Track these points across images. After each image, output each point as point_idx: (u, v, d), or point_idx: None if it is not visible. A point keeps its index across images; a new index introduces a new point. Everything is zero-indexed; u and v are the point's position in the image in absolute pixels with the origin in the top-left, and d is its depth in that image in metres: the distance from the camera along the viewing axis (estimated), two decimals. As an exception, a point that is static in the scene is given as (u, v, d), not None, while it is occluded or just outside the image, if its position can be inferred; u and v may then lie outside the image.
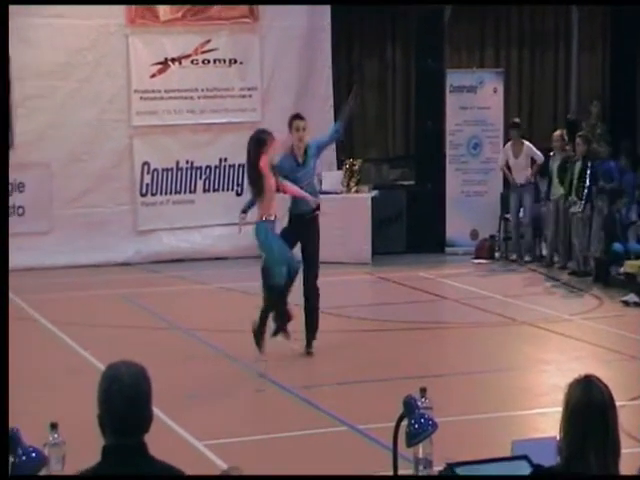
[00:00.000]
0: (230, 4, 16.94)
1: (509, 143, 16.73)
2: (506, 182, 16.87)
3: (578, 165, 15.31)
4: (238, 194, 16.90)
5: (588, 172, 15.15)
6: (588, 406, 3.81)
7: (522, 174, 16.48)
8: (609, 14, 20.11)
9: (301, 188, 10.91)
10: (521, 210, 16.56)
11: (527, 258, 16.36)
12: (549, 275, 15.52)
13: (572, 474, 3.78)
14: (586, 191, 15.09)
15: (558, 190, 15.73)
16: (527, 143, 16.62)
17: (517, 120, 17.17)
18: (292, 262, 10.69)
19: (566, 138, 16.05)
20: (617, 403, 3.90)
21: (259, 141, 10.56)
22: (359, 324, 12.55)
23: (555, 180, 15.80)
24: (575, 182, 15.27)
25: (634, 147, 18.39)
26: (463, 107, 17.24)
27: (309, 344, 10.97)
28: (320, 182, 16.49)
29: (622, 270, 13.98)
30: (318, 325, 11.03)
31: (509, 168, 16.64)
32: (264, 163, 10.55)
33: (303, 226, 10.90)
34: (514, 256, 16.55)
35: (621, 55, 19.56)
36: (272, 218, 10.60)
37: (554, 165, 15.89)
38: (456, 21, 19.02)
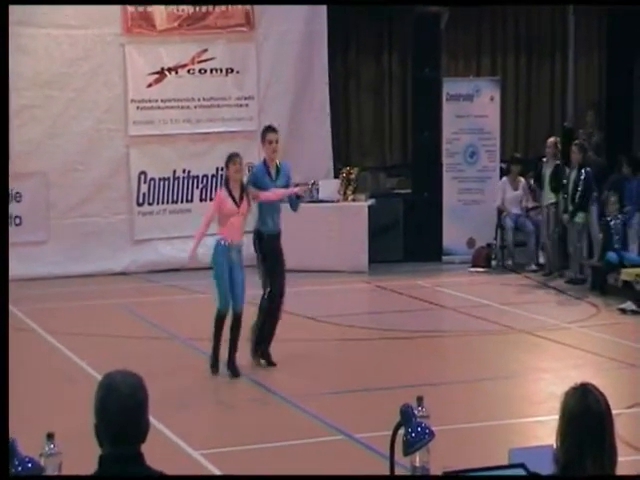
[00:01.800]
0: (227, 4, 16.93)
1: (505, 178, 16.81)
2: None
3: (574, 173, 15.34)
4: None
5: (582, 180, 15.18)
6: (585, 414, 3.80)
7: (520, 205, 16.60)
8: (605, 21, 20.17)
9: (273, 205, 10.92)
10: (519, 220, 16.62)
11: (533, 267, 16.31)
12: (546, 283, 15.52)
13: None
14: (580, 199, 15.13)
15: (550, 197, 15.80)
16: (522, 179, 16.78)
17: (519, 155, 17.32)
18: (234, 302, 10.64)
19: (559, 146, 16.10)
20: (614, 411, 3.90)
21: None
22: (356, 333, 12.54)
23: (547, 188, 15.86)
24: (571, 191, 15.30)
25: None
26: (460, 115, 17.26)
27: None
28: (317, 190, 16.53)
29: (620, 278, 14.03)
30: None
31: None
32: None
33: (273, 245, 10.93)
34: (510, 261, 16.52)
35: (617, 62, 19.61)
36: (222, 242, 10.62)
37: (546, 172, 15.95)
38: (453, 28, 19.05)
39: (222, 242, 10.67)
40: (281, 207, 11.14)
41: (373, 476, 7.39)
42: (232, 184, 10.72)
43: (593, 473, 3.74)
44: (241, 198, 10.70)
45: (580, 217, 15.25)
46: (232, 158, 10.85)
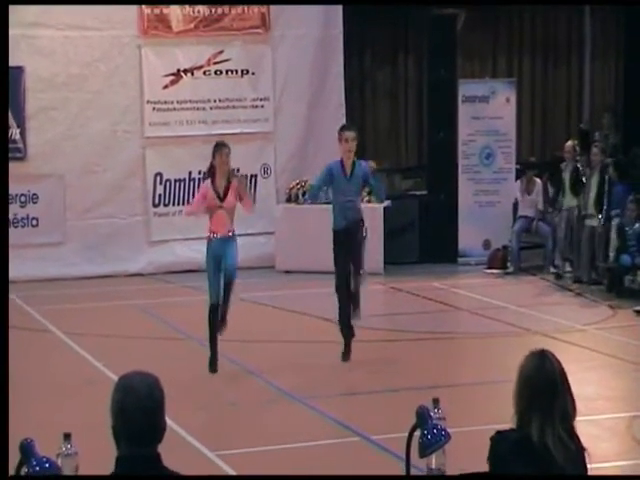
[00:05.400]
0: (244, 4, 16.95)
1: (521, 180, 16.77)
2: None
3: (595, 176, 15.25)
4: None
5: (607, 182, 15.10)
6: (538, 377, 4.11)
7: (533, 209, 16.55)
8: (622, 22, 20.13)
9: (345, 203, 10.88)
10: (533, 224, 16.57)
11: (551, 269, 16.23)
12: (562, 285, 15.48)
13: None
14: (605, 205, 15.05)
15: (571, 202, 15.69)
16: (538, 180, 16.69)
17: (533, 159, 17.29)
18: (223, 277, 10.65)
19: (577, 149, 16.04)
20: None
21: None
22: (371, 334, 12.52)
23: (567, 191, 15.78)
24: (594, 194, 15.18)
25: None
26: (475, 117, 17.23)
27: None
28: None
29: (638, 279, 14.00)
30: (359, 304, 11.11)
31: (516, 204, 16.75)
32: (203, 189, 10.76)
33: (338, 241, 10.96)
34: (511, 268, 16.38)
35: (634, 64, 19.56)
36: (210, 236, 10.62)
37: (566, 175, 15.88)
38: (468, 30, 19.03)
39: (210, 236, 10.67)
40: (352, 203, 11.05)
41: (371, 476, 7.41)
42: (218, 176, 10.56)
43: (541, 433, 3.99)
44: (226, 191, 10.57)
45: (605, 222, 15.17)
46: (219, 148, 10.65)
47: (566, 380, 4.14)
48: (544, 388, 4.08)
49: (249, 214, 11.35)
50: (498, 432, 4.20)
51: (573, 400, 4.13)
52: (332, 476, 7.62)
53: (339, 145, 11.19)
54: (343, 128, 11.32)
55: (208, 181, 10.67)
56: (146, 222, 16.73)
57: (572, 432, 4.09)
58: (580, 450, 4.09)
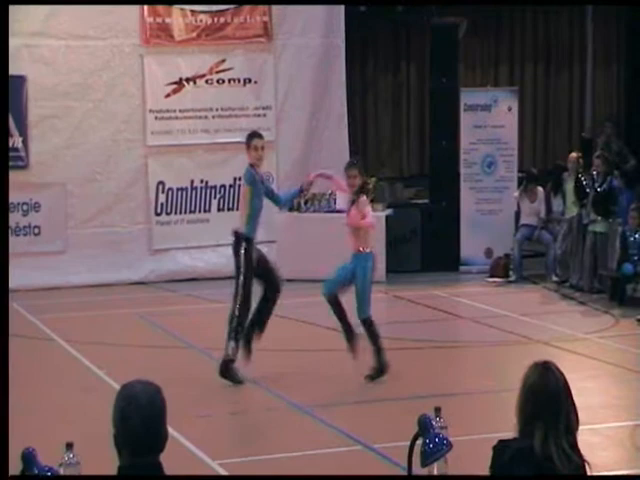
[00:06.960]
0: (254, 4, 16.97)
1: (519, 193, 16.77)
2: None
3: (598, 185, 15.25)
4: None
5: (614, 192, 15.12)
6: (542, 391, 4.12)
7: (535, 218, 16.55)
8: (623, 31, 20.16)
9: (259, 208, 10.97)
10: (535, 232, 16.58)
11: (554, 278, 16.21)
12: (564, 294, 15.48)
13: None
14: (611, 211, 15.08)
15: (572, 210, 15.74)
16: (541, 189, 16.69)
17: (534, 171, 17.27)
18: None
19: (581, 161, 16.03)
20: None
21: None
22: (374, 343, 12.51)
23: (569, 201, 15.82)
24: (596, 202, 15.18)
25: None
26: (477, 126, 17.25)
27: None
28: (334, 201, 16.55)
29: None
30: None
31: (519, 212, 16.74)
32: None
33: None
34: (513, 277, 16.37)
35: (636, 72, 19.58)
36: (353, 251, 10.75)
37: (569, 186, 15.90)
38: (470, 38, 19.07)
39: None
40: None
41: (372, 476, 7.40)
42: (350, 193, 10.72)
43: (544, 444, 3.99)
44: (350, 208, 10.68)
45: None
46: (348, 167, 10.81)
47: (569, 392, 4.14)
48: (548, 401, 4.08)
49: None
50: (501, 441, 4.19)
51: (576, 412, 4.13)
52: (327, 476, 7.62)
53: (247, 152, 11.23)
54: (253, 135, 11.29)
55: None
56: (148, 231, 16.74)
57: (575, 445, 4.08)
58: (582, 462, 4.08)
